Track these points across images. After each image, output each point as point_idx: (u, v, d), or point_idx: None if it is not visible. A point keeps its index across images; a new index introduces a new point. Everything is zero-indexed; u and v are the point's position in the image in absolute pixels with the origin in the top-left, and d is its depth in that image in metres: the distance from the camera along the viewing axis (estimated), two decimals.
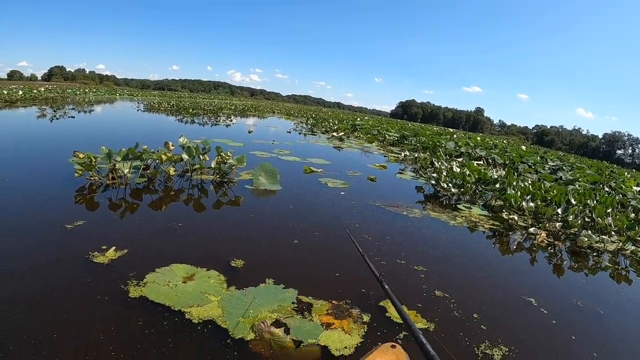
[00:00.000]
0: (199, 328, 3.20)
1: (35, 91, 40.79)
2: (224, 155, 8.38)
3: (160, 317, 3.28)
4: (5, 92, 33.61)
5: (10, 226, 4.94)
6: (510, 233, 7.58)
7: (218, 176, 8.48)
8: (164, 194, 7.20)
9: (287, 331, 3.22)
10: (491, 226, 7.75)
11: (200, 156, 8.39)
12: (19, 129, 15.10)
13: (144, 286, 3.67)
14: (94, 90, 71.47)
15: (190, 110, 34.21)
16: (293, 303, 3.70)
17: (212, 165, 8.39)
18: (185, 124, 21.82)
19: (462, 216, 8.09)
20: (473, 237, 7.08)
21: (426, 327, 3.65)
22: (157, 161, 8.17)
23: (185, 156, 8.31)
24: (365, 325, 3.49)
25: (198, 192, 7.58)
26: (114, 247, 4.38)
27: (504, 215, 8.34)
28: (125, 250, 4.39)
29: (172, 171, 8.01)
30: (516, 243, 7.09)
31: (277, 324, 3.31)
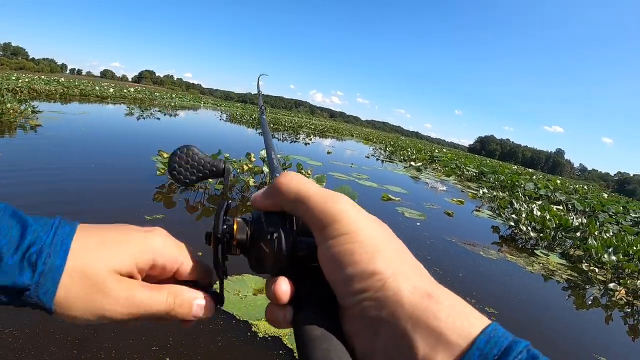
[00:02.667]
0: (264, 342, 3.33)
1: (125, 91, 42.90)
2: (304, 172, 8.55)
3: (226, 325, 3.46)
4: (97, 88, 35.44)
5: (94, 214, 5.36)
6: (588, 286, 7.41)
7: None
8: (240, 203, 7.49)
9: None
10: (569, 276, 7.62)
11: None
12: (107, 123, 15.97)
13: None
14: (180, 96, 73.97)
15: (271, 125, 34.90)
16: None
17: None
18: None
19: (539, 263, 7.99)
20: (548, 285, 6.99)
21: None
22: (238, 170, 8.43)
23: (265, 169, 8.53)
24: None
25: None
26: None
27: (583, 267, 8.17)
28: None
29: (251, 182, 8.29)
30: (592, 297, 6.95)
31: None
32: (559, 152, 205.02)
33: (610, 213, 19.53)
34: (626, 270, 8.21)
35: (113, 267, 0.50)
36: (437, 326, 0.39)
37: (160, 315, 0.53)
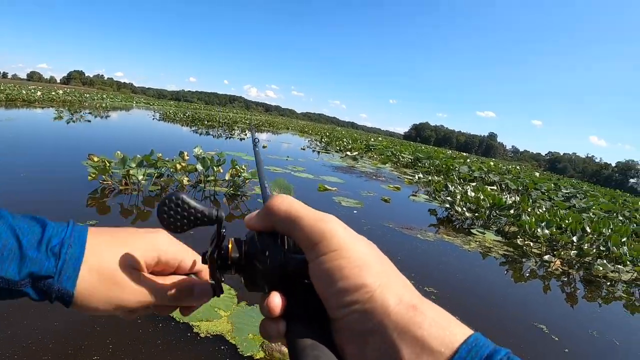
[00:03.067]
0: (207, 342, 3.20)
1: (53, 93, 41.40)
2: (238, 168, 8.39)
3: (166, 328, 3.30)
4: (24, 92, 34.07)
5: None
6: (524, 260, 7.54)
7: (231, 189, 8.50)
8: None
9: None
10: (505, 252, 7.72)
11: (215, 168, 8.38)
12: (35, 128, 15.31)
13: None
14: (112, 96, 72.16)
15: (206, 122, 34.40)
16: None
17: (226, 178, 8.43)
18: (199, 135, 21.98)
19: (476, 241, 8.06)
20: (486, 262, 7.05)
21: None
22: (172, 170, 8.23)
23: (199, 167, 8.34)
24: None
25: (210, 204, 7.54)
26: None
27: (518, 242, 8.32)
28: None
29: (185, 180, 8.06)
30: (529, 270, 7.06)
31: None
32: (492, 136, 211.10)
33: (543, 190, 20.15)
34: (560, 242, 8.40)
35: (128, 261, 0.58)
36: (421, 335, 0.41)
37: (167, 302, 0.61)
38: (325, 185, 10.91)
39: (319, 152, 22.97)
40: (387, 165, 22.34)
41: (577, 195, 20.96)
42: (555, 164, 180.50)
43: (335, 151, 25.50)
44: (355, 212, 8.68)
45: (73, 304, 0.53)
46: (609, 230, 9.66)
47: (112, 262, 0.56)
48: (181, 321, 3.38)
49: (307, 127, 73.16)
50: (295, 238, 0.50)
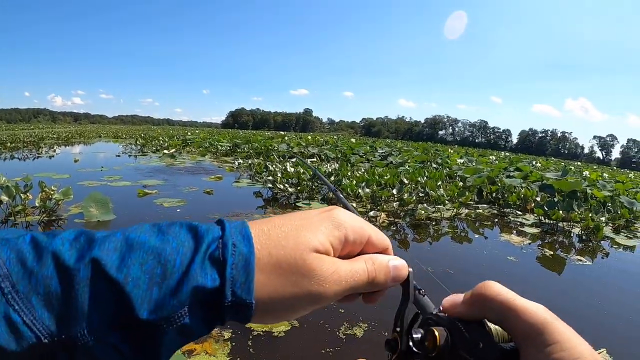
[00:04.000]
0: None
1: None
2: (47, 190, 7.43)
3: None
4: None
5: None
6: None
7: (45, 215, 7.51)
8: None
9: None
10: None
11: (22, 195, 7.32)
12: None
13: None
14: None
15: (8, 144, 31.32)
16: None
17: (37, 204, 7.43)
18: (3, 161, 19.86)
19: None
20: None
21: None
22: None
23: (4, 197, 7.21)
24: (228, 343, 3.29)
25: None
26: None
27: None
28: None
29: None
30: None
31: None
32: (307, 112, 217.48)
33: (361, 154, 21.04)
34: (382, 197, 8.66)
35: (311, 246, 0.47)
36: None
37: (364, 285, 0.51)
38: (145, 190, 10.30)
39: (135, 156, 21.87)
40: (206, 157, 21.86)
41: (393, 153, 22.16)
42: (370, 129, 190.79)
43: (152, 152, 24.48)
44: (178, 210, 8.24)
45: (254, 316, 0.44)
46: (424, 178, 10.23)
47: (293, 251, 0.46)
48: None
49: (120, 131, 69.85)
50: (510, 328, 0.46)
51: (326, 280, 0.47)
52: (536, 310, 0.45)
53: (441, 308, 0.52)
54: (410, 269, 0.56)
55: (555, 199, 8.81)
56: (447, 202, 8.83)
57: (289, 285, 0.45)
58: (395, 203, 8.35)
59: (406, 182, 9.78)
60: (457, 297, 0.51)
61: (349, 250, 0.52)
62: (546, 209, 8.22)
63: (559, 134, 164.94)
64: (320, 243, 0.48)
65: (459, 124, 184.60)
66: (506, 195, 10.22)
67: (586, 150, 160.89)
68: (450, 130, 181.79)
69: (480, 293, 0.48)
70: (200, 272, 0.41)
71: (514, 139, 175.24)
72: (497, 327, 0.48)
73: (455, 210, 8.44)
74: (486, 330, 0.48)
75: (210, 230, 0.44)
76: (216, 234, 0.44)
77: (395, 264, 0.54)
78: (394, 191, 8.84)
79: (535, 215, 8.70)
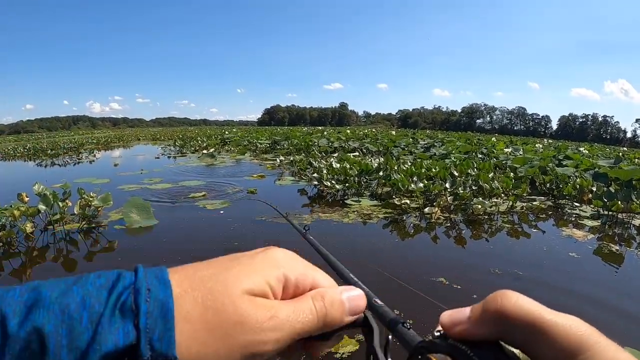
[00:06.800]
0: None
1: None
2: (86, 197, 7.28)
3: None
4: None
5: None
6: (405, 217, 7.41)
7: (85, 222, 7.33)
8: (26, 257, 6.12)
9: None
10: (385, 214, 7.52)
11: (60, 203, 7.14)
12: None
13: None
14: None
15: (49, 151, 31.79)
16: None
17: (76, 211, 7.24)
18: (44, 168, 19.99)
19: (354, 211, 7.74)
20: (370, 228, 6.81)
21: None
22: (10, 219, 6.78)
23: (42, 206, 7.01)
24: None
25: (66, 246, 6.41)
26: None
27: (395, 201, 8.16)
28: None
29: (29, 228, 6.75)
30: (413, 225, 6.96)
31: None
32: (343, 106, 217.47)
33: (402, 146, 20.65)
34: (433, 192, 8.34)
35: (243, 288, 0.41)
36: None
37: (314, 326, 0.44)
38: (190, 193, 10.19)
39: (175, 157, 21.97)
40: (246, 155, 21.82)
41: (435, 144, 21.73)
42: (407, 120, 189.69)
43: (191, 152, 24.60)
44: (222, 212, 8.06)
45: None
46: (475, 170, 9.86)
47: (222, 295, 0.40)
48: None
49: (158, 133, 70.96)
50: (537, 353, 0.37)
51: (262, 327, 0.40)
52: (570, 326, 0.37)
53: (439, 328, 0.42)
54: (378, 300, 0.50)
55: (612, 189, 8.36)
56: (502, 194, 8.48)
57: (219, 335, 0.38)
58: (449, 197, 8.02)
59: (456, 175, 9.45)
60: (460, 313, 0.42)
61: (292, 294, 0.46)
62: (605, 200, 7.77)
63: (600, 118, 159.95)
64: (254, 284, 0.42)
65: (497, 112, 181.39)
66: (561, 186, 9.75)
67: (629, 134, 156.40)
68: (488, 119, 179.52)
69: (497, 307, 0.39)
70: (110, 327, 0.35)
71: (554, 125, 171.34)
72: (518, 351, 0.38)
73: (510, 203, 8.05)
74: (503, 356, 0.38)
75: (122, 277, 0.38)
76: (128, 280, 0.38)
77: (350, 295, 0.48)
78: (447, 185, 8.49)
79: (593, 206, 8.22)
